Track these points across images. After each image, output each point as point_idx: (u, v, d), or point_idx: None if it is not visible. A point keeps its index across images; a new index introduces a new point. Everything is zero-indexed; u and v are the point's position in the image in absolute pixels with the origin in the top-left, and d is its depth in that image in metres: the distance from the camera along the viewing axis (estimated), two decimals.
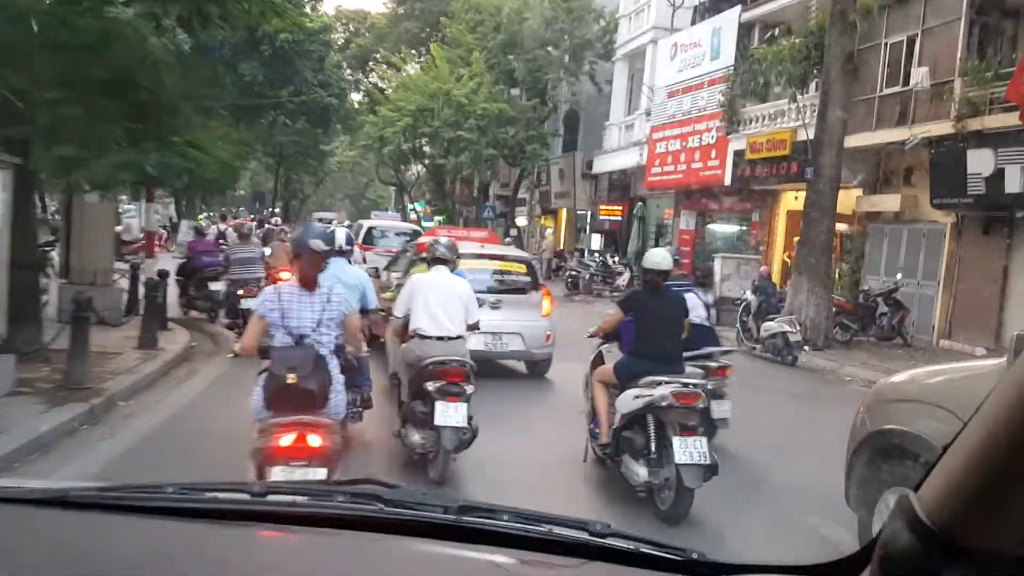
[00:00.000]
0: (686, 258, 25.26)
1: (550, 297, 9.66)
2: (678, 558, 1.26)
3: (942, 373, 4.23)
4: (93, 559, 1.05)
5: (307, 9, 35.63)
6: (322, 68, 36.57)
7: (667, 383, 5.18)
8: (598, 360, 6.23)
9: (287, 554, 1.18)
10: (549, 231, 37.39)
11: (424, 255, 7.03)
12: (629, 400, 5.33)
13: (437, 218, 55.18)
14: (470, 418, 5.49)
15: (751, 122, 20.01)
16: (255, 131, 40.72)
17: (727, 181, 20.86)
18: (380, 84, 38.55)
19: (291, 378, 3.79)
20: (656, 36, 25.32)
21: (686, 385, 5.20)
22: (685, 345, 5.90)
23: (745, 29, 20.85)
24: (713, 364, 6.58)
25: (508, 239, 34.81)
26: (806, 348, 12.93)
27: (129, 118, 7.79)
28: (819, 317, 14.13)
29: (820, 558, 1.14)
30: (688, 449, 4.93)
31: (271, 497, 1.33)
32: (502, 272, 9.51)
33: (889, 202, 16.57)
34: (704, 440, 5.03)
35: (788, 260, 19.73)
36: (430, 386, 5.48)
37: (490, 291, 9.03)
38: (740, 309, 13.93)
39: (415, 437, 5.54)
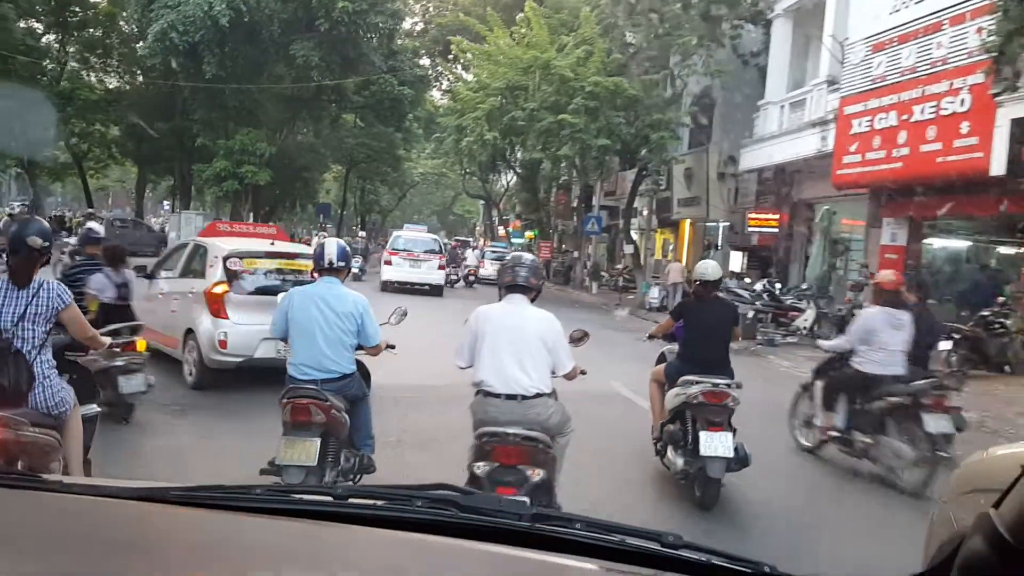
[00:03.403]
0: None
1: None
2: (750, 571, 1.26)
3: None
4: (192, 548, 1.12)
5: None
6: (392, 51, 30.25)
7: (699, 383, 5.63)
8: (661, 359, 6.63)
9: (368, 552, 1.20)
10: (672, 249, 29.93)
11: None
12: (671, 398, 5.90)
13: (528, 233, 48.86)
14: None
15: None
16: (318, 131, 34.95)
17: (995, 168, 13.03)
18: (462, 71, 31.81)
19: None
20: None
21: (716, 385, 5.61)
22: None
23: None
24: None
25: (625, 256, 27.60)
26: None
27: None
28: None
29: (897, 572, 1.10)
30: (713, 443, 5.41)
31: (352, 500, 1.37)
32: (297, 272, 8.60)
33: None
34: (729, 435, 5.46)
35: None
36: (479, 469, 4.13)
37: (281, 292, 7.32)
38: None
39: None
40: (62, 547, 1.07)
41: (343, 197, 47.96)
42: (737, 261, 24.32)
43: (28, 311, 3.87)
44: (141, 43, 29.91)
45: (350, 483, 4.73)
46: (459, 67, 33.32)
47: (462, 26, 28.04)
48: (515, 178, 44.70)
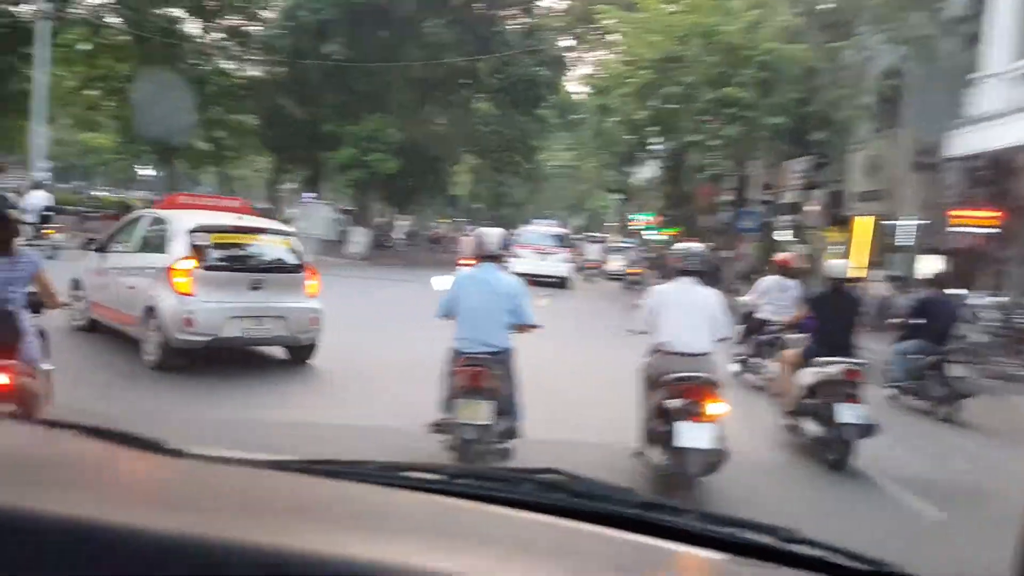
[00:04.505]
0: None
1: (317, 276, 8.75)
2: (872, 570, 1.23)
3: None
4: (318, 514, 1.15)
5: None
6: (530, 29, 27.86)
7: (838, 363, 6.64)
8: (785, 345, 7.95)
9: (480, 526, 1.22)
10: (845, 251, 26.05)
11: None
12: (809, 376, 6.83)
13: (667, 229, 45.63)
14: (720, 439, 5.22)
15: None
16: (450, 118, 33.14)
17: None
18: (604, 49, 28.94)
19: None
20: None
21: (852, 365, 6.63)
22: None
23: None
24: None
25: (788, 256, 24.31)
26: None
27: None
28: None
29: None
30: (850, 412, 6.35)
31: (462, 480, 1.40)
32: (263, 248, 8.56)
33: None
34: (864, 406, 6.44)
35: None
36: (671, 404, 5.32)
37: (249, 269, 8.19)
38: None
39: (657, 458, 5.38)
40: (192, 509, 1.07)
41: (474, 188, 46.29)
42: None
43: (11, 275, 4.43)
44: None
45: (507, 445, 5.33)
46: (603, 44, 30.56)
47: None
48: (656, 170, 41.56)
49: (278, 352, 8.99)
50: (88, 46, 31.57)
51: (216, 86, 32.36)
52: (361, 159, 27.04)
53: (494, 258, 5.63)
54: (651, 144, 30.01)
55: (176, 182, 40.74)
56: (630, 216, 57.44)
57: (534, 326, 5.65)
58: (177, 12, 32.81)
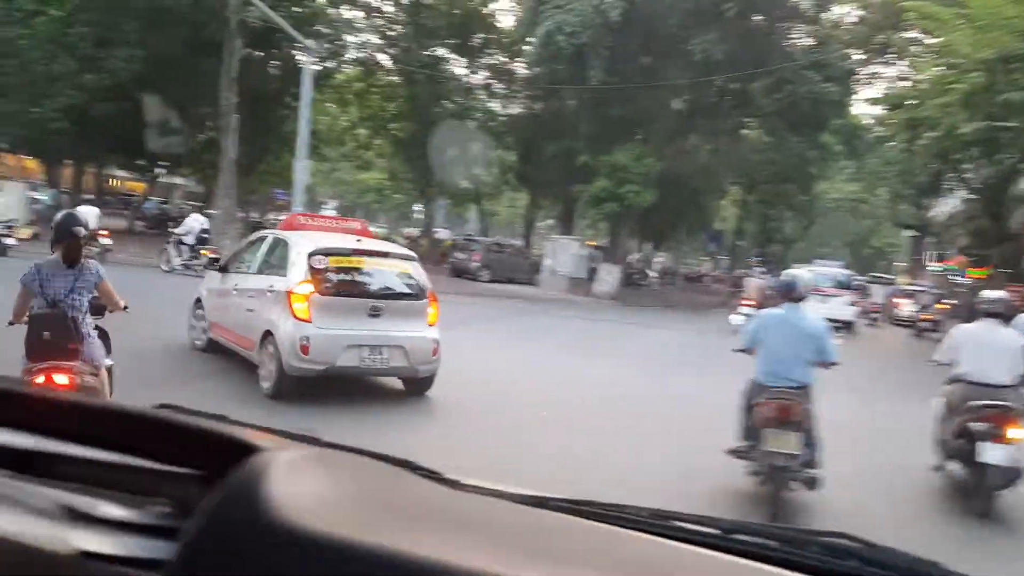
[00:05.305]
0: None
1: (437, 303, 8.31)
2: None
3: None
4: (588, 560, 1.10)
5: None
6: (817, 42, 24.20)
7: None
8: None
9: None
10: None
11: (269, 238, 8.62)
12: None
13: (975, 271, 38.81)
14: (1018, 460, 5.75)
15: None
16: (715, 145, 30.16)
17: None
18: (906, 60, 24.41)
19: (46, 335, 4.73)
20: None
21: None
22: None
23: None
24: None
25: None
26: None
27: None
28: None
29: None
30: None
31: (739, 536, 1.31)
32: (384, 273, 8.17)
33: None
34: None
35: None
36: (975, 427, 5.90)
37: (368, 296, 7.84)
38: None
39: (957, 472, 6.17)
40: (479, 549, 1.00)
41: (739, 223, 42.53)
42: None
43: (76, 284, 4.87)
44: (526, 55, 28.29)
45: (812, 473, 5.61)
46: (906, 54, 25.90)
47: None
48: (962, 202, 35.35)
49: (396, 383, 8.47)
50: (360, 85, 33.06)
51: (477, 123, 32.40)
52: (614, 191, 25.05)
53: (800, 300, 6.04)
54: (965, 169, 25.01)
55: (436, 218, 41.76)
56: (925, 255, 50.23)
57: (836, 363, 6.02)
58: (442, 51, 33.49)
